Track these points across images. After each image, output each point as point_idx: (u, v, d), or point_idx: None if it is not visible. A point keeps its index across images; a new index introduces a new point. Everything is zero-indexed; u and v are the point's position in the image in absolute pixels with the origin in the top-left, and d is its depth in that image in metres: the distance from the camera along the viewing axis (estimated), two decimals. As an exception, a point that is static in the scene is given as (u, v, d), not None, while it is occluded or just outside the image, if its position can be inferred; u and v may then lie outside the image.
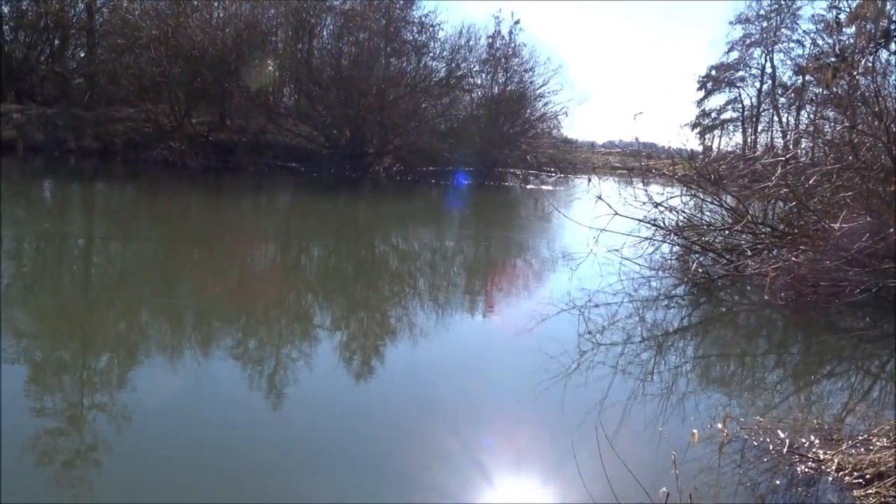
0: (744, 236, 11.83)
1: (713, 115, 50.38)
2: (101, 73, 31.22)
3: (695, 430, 3.71)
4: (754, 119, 47.31)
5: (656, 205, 11.74)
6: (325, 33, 33.33)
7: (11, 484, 3.93)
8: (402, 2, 33.18)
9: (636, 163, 13.80)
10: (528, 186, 34.25)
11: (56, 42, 33.61)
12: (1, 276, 8.82)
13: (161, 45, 28.44)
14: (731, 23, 47.08)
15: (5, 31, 32.57)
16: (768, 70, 46.18)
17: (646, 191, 12.11)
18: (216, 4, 31.69)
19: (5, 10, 32.11)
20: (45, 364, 6.04)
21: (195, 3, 30.48)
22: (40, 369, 5.90)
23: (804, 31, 41.84)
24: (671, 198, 12.20)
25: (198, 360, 6.57)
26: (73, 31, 33.44)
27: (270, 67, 30.58)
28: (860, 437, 5.08)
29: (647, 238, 11.96)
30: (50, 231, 12.45)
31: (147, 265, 10.57)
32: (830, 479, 4.59)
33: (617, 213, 11.20)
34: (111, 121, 29.50)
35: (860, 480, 4.50)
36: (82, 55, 34.52)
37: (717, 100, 50.37)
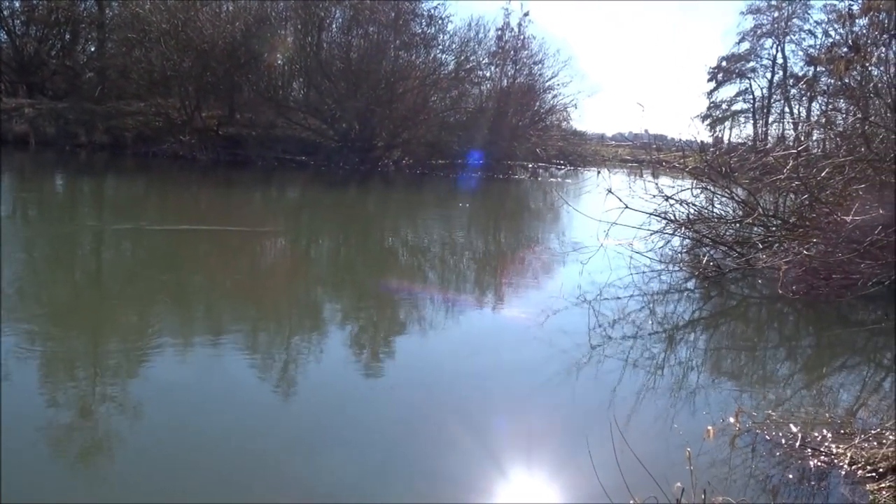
0: (755, 229, 11.79)
1: (724, 106, 50.26)
2: (111, 68, 31.43)
3: (710, 427, 3.71)
4: (765, 110, 47.09)
5: (667, 198, 11.71)
6: (334, 26, 33.28)
7: (24, 476, 3.99)
8: (410, -6, 33.11)
9: (646, 155, 13.74)
10: (538, 179, 34.23)
11: (67, 36, 33.80)
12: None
13: (171, 39, 28.53)
14: (742, 13, 47.03)
15: (17, 25, 32.75)
16: (779, 61, 45.98)
17: (656, 184, 12.07)
18: (225, -3, 31.74)
19: (17, 4, 32.33)
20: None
21: (205, -4, 30.54)
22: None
23: (816, 22, 41.67)
24: (681, 190, 12.15)
25: (211, 346, 6.63)
26: (84, 25, 33.59)
27: (280, 61, 30.59)
28: (873, 431, 5.08)
29: (657, 231, 11.95)
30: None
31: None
32: (843, 472, 4.59)
33: (627, 207, 11.18)
34: (122, 115, 29.64)
35: (873, 474, 4.50)
36: (93, 49, 34.74)
37: (727, 91, 50.26)
